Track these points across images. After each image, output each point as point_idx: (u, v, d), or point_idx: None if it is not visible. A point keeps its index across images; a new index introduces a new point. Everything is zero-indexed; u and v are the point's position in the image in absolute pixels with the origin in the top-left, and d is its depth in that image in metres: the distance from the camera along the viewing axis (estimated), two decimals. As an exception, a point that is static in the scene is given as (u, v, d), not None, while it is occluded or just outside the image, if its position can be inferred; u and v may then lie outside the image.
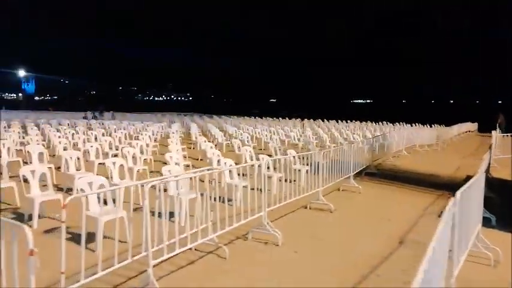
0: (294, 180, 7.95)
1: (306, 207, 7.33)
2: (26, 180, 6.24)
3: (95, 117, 28.96)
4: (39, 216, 5.92)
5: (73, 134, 15.02)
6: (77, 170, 8.24)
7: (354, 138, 16.06)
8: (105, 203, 5.45)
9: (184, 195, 6.39)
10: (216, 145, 13.44)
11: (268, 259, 4.88)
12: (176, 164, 8.79)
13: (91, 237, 5.33)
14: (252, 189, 6.33)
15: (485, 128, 32.41)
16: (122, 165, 7.56)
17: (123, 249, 4.04)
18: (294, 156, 9.00)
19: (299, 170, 10.08)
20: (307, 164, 10.90)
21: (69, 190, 7.90)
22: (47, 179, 6.34)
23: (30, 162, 8.88)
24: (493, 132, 17.14)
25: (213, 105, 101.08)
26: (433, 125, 29.71)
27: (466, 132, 29.52)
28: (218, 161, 10.05)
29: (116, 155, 11.71)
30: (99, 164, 9.82)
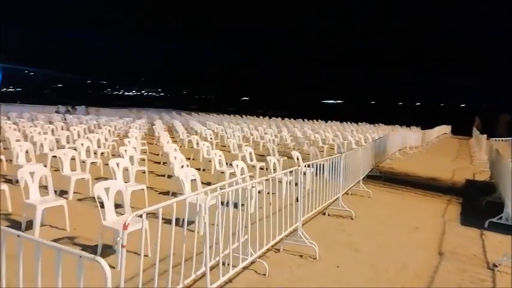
0: (297, 184, 7.65)
1: (324, 214, 6.94)
2: (17, 182, 5.51)
3: (67, 112, 27.52)
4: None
5: (53, 130, 14.01)
6: (71, 170, 7.50)
7: (347, 139, 15.88)
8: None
9: (204, 202, 5.84)
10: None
11: (313, 275, 4.44)
12: (182, 165, 8.21)
13: (105, 250, 4.74)
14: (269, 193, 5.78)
15: (459, 131, 33.50)
16: (126, 168, 6.92)
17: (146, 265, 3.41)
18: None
19: (304, 173, 9.71)
20: (309, 166, 10.54)
21: (63, 193, 7.16)
22: (47, 182, 5.63)
23: (11, 161, 8.07)
24: (482, 136, 17.42)
25: (186, 102, 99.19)
26: (411, 127, 30.21)
27: (443, 134, 30.18)
28: (220, 161, 9.53)
29: (102, 153, 10.95)
30: (90, 163, 9.08)
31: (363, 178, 10.17)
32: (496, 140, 12.09)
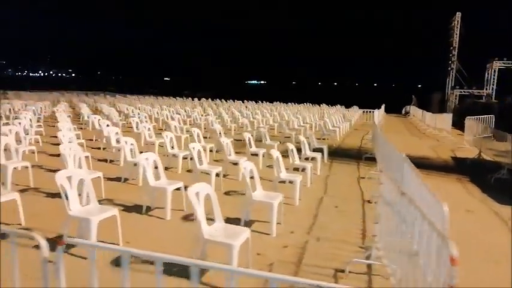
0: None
1: (370, 202, 6.60)
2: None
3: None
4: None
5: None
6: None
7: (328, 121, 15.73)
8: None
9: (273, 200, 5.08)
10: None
11: None
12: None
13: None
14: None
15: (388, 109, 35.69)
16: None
17: None
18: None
19: (313, 158, 9.21)
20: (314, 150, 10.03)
21: None
22: (89, 186, 4.41)
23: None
24: (445, 115, 18.44)
25: (102, 83, 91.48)
26: (353, 107, 31.33)
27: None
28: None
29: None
30: None
31: (359, 159, 10.21)
32: (471, 118, 12.72)
